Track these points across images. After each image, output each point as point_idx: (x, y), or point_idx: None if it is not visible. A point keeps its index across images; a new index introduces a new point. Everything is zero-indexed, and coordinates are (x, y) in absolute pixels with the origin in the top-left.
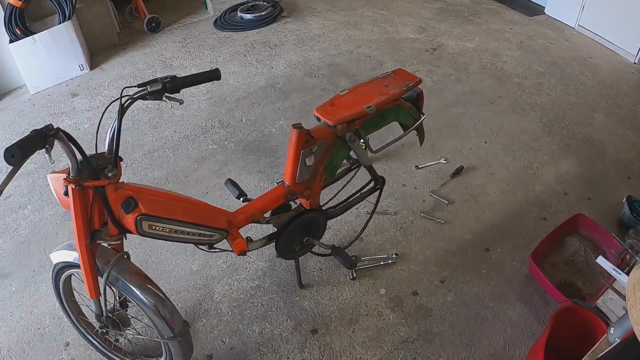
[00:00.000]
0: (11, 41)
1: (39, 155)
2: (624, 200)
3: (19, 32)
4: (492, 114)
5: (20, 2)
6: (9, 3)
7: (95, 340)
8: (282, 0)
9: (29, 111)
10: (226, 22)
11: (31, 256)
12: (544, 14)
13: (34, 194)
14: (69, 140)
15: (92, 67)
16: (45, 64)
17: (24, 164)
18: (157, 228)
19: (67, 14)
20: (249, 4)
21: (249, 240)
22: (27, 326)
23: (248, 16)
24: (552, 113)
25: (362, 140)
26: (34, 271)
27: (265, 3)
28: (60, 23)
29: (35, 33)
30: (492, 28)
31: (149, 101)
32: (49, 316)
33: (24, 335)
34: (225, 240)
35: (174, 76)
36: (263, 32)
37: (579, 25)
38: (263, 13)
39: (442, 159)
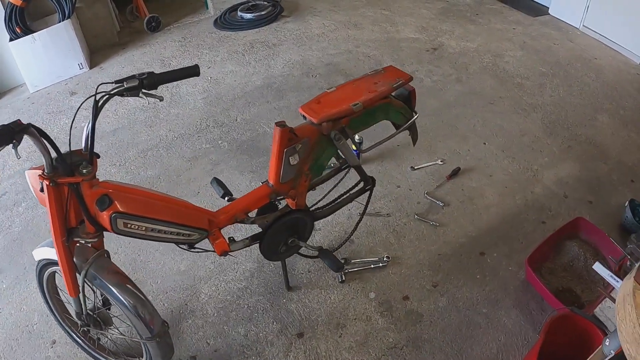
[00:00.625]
0: (11, 40)
1: (37, 153)
2: (626, 204)
3: (19, 31)
4: (491, 115)
5: (21, 1)
6: (9, 2)
7: (80, 339)
8: (283, 0)
9: (27, 109)
10: (226, 21)
11: (23, 253)
12: (548, 14)
13: (29, 192)
14: (41, 136)
15: (91, 66)
16: (45, 62)
17: (21, 161)
18: (133, 226)
19: (66, 13)
20: (250, 4)
21: (231, 240)
22: (16, 323)
23: (248, 15)
24: (554, 114)
25: (356, 139)
26: (25, 268)
27: (265, 2)
28: (60, 22)
29: (35, 32)
30: (494, 28)
31: (145, 100)
32: (37, 313)
33: (12, 332)
34: (207, 240)
35: (151, 72)
36: (263, 31)
37: (583, 25)
38: (263, 12)
39: (439, 160)
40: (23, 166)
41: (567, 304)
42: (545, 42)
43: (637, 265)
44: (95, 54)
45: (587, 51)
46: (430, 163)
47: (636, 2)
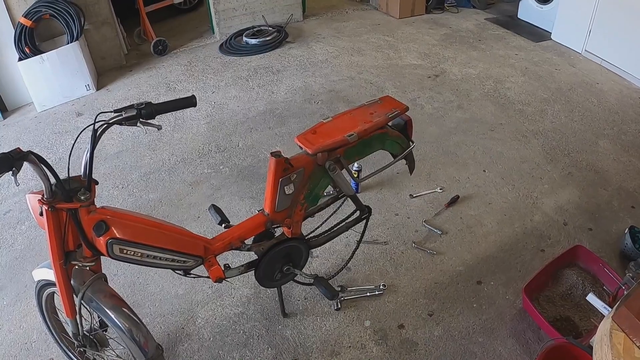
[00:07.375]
0: (20, 59)
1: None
2: (626, 231)
3: (28, 51)
4: (492, 142)
5: (30, 22)
6: (19, 22)
7: (77, 358)
8: (288, 25)
9: (34, 128)
10: (231, 46)
11: (24, 271)
12: (551, 39)
13: None
14: (41, 162)
15: (98, 88)
16: (53, 82)
17: (25, 181)
18: (128, 252)
19: (75, 35)
20: (255, 29)
21: (227, 267)
22: (15, 340)
23: (253, 41)
24: (555, 140)
25: (354, 168)
26: (26, 286)
27: (270, 28)
28: (68, 43)
29: (44, 52)
30: (497, 54)
31: (143, 129)
32: (36, 331)
33: (11, 349)
34: (202, 266)
35: (149, 102)
36: (267, 57)
37: (585, 50)
38: (268, 38)
39: (438, 188)
40: (28, 185)
41: (565, 333)
42: (547, 67)
43: (616, 304)
44: (102, 75)
45: (589, 76)
46: (429, 191)
47: (638, 26)
